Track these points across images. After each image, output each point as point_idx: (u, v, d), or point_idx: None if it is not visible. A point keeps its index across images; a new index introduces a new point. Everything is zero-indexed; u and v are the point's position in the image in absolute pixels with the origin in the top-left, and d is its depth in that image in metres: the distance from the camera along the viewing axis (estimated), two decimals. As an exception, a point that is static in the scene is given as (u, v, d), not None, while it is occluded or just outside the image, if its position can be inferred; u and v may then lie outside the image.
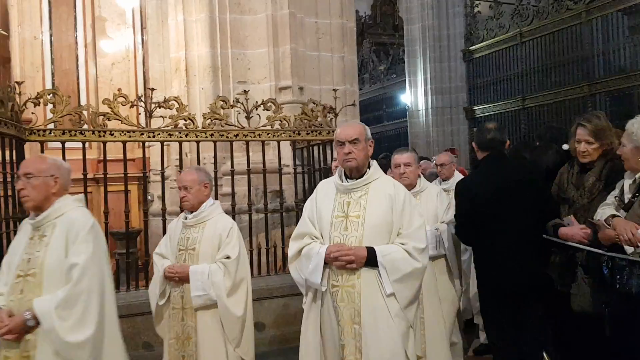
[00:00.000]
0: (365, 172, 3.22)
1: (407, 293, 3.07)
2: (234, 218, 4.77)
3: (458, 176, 5.82)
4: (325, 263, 3.07)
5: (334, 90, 6.34)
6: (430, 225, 4.19)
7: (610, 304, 3.23)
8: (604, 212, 3.27)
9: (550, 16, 12.06)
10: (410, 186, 4.23)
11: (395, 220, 3.13)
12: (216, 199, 4.63)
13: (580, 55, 11.48)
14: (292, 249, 3.31)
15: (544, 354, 3.96)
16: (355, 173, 3.21)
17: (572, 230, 3.52)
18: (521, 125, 12.86)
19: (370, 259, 3.03)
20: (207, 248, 3.81)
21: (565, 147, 4.13)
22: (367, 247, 3.04)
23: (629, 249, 3.00)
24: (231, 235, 3.84)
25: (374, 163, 3.29)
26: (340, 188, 3.23)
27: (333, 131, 5.82)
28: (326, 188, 3.35)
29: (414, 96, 15.43)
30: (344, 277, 3.06)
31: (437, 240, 4.17)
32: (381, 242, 3.09)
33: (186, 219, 3.94)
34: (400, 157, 4.37)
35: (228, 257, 3.78)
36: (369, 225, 3.10)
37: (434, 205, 4.45)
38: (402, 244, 3.09)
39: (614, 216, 3.15)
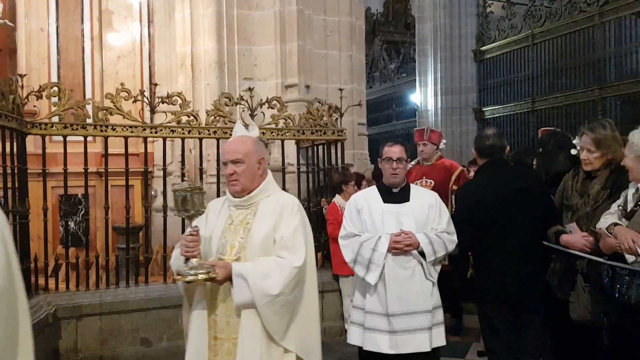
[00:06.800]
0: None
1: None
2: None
3: None
4: None
5: (339, 89, 6.30)
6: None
7: (609, 314, 3.21)
8: (606, 220, 3.22)
9: (562, 18, 11.92)
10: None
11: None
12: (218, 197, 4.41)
13: (592, 58, 11.34)
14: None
15: (542, 361, 3.92)
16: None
17: (574, 237, 3.48)
18: (530, 127, 12.74)
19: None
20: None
21: (573, 152, 4.07)
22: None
23: (630, 258, 2.96)
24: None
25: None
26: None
27: (338, 131, 5.82)
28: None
29: (423, 96, 15.33)
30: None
31: None
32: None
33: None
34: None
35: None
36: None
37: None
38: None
39: (615, 225, 3.10)
